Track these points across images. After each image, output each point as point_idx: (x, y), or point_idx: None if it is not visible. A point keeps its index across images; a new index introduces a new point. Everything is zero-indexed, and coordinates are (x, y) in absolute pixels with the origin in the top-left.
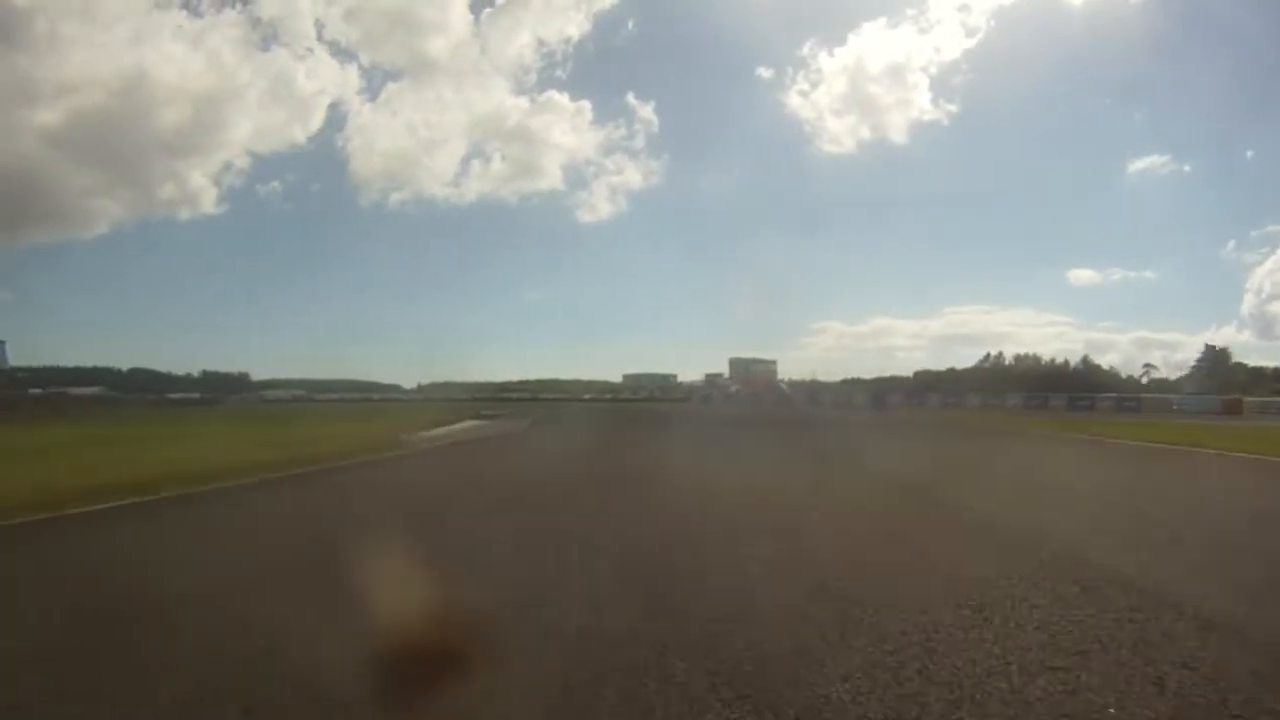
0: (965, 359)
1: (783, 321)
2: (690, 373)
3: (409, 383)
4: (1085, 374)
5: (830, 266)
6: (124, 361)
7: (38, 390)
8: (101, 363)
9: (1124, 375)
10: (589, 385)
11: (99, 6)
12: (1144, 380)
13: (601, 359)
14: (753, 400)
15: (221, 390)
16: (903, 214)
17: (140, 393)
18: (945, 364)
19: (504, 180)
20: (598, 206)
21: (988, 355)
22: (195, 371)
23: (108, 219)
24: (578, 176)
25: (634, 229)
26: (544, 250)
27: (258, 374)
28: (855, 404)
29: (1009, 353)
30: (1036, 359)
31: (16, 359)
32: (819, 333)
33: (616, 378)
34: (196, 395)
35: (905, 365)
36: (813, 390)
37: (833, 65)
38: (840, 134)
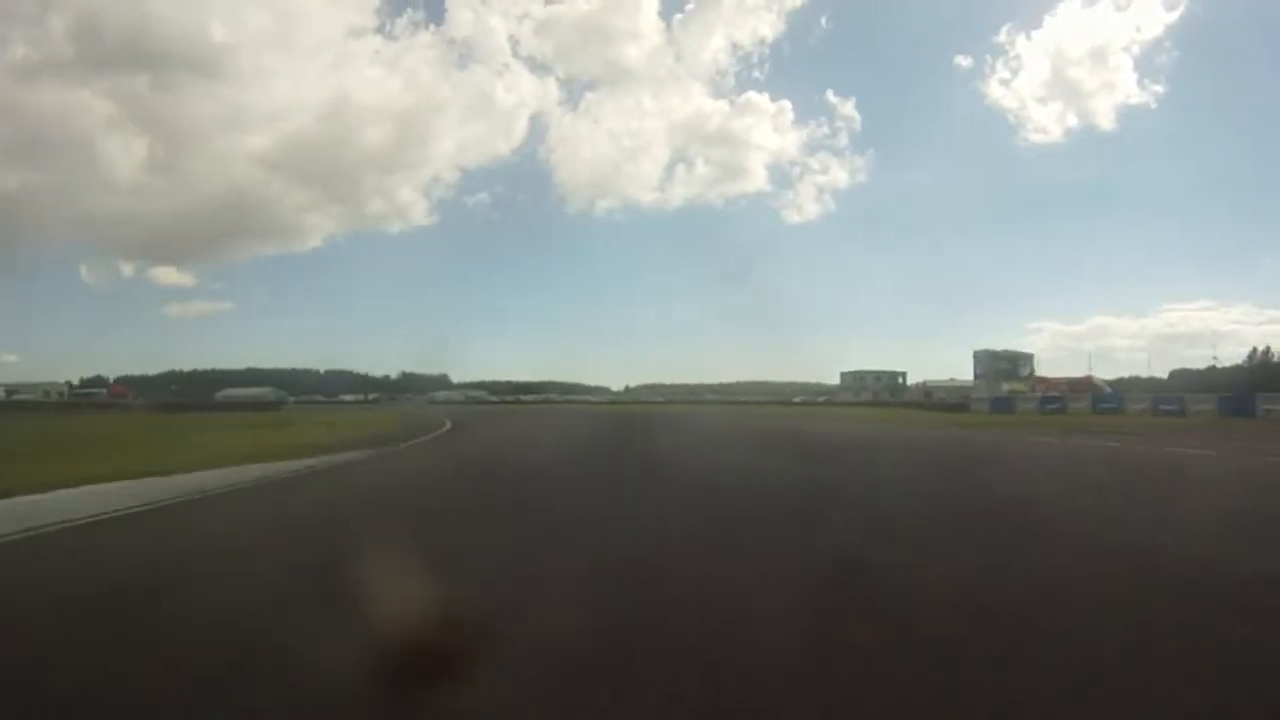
0: (1188, 360)
1: (997, 319)
2: (920, 370)
3: (617, 385)
4: None
5: (1043, 262)
6: (327, 364)
7: (96, 391)
8: (303, 364)
9: None
10: (801, 388)
11: (299, 38)
12: None
13: (815, 359)
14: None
15: (407, 390)
16: (1114, 204)
17: (327, 392)
18: (1167, 365)
19: (709, 184)
20: (804, 206)
21: (1254, 351)
22: (394, 373)
23: (321, 233)
24: (782, 177)
25: (843, 227)
26: (752, 252)
27: (458, 376)
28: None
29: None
30: None
31: (229, 362)
32: (1034, 332)
33: (833, 378)
34: (363, 396)
35: (1126, 366)
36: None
37: (1031, 50)
38: (1045, 122)
